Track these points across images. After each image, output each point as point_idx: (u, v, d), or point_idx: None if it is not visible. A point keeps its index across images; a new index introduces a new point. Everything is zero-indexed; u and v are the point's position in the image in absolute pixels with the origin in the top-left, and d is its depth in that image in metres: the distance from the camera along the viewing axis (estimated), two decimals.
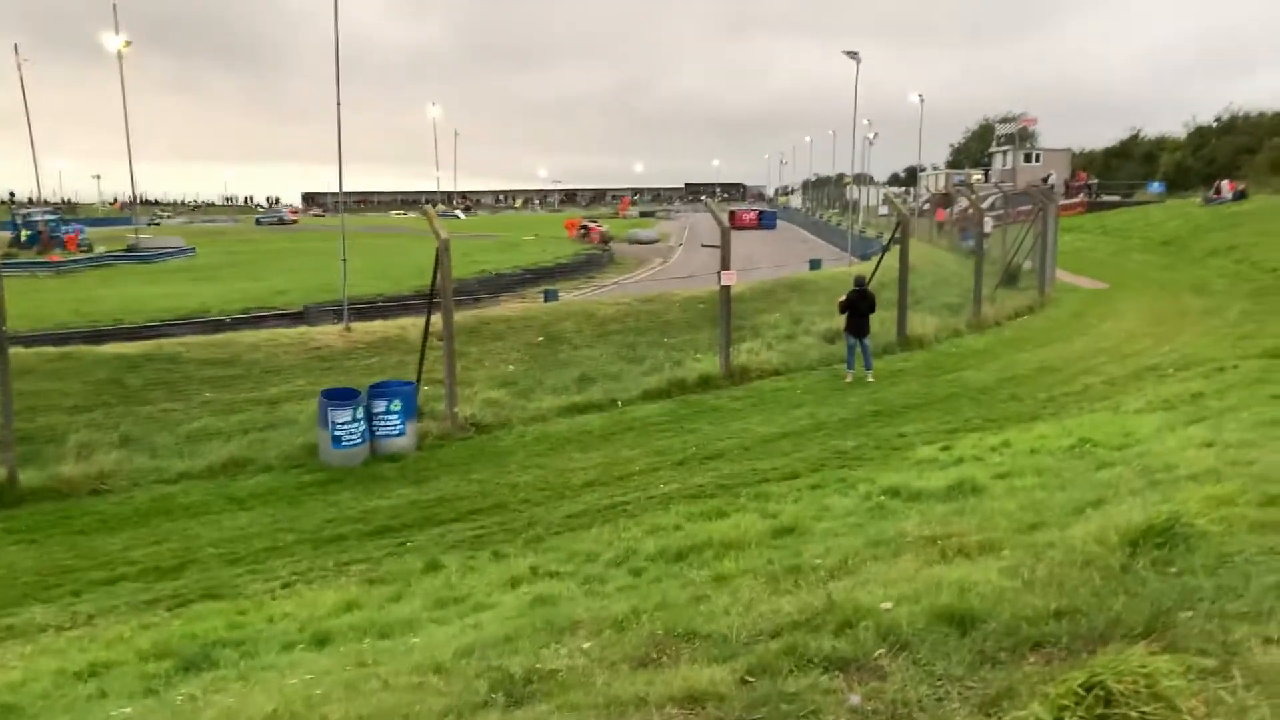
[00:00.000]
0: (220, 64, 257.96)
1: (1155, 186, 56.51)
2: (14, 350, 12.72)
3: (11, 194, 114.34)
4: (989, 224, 36.53)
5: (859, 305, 16.09)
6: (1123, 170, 68.20)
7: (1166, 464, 7.28)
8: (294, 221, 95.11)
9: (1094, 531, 4.55)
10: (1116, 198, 54.60)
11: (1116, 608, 3.46)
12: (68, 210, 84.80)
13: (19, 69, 56.17)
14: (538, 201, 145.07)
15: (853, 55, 37.86)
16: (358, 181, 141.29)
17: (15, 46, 56.78)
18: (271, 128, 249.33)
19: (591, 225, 60.18)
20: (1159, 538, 4.19)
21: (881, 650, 3.48)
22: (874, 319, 16.63)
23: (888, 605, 3.88)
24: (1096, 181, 58.21)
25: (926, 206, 51.66)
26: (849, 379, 15.97)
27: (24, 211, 56.57)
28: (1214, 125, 65.89)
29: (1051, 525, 5.35)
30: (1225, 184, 43.53)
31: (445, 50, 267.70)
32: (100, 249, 49.70)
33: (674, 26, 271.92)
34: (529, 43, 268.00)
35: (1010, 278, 25.39)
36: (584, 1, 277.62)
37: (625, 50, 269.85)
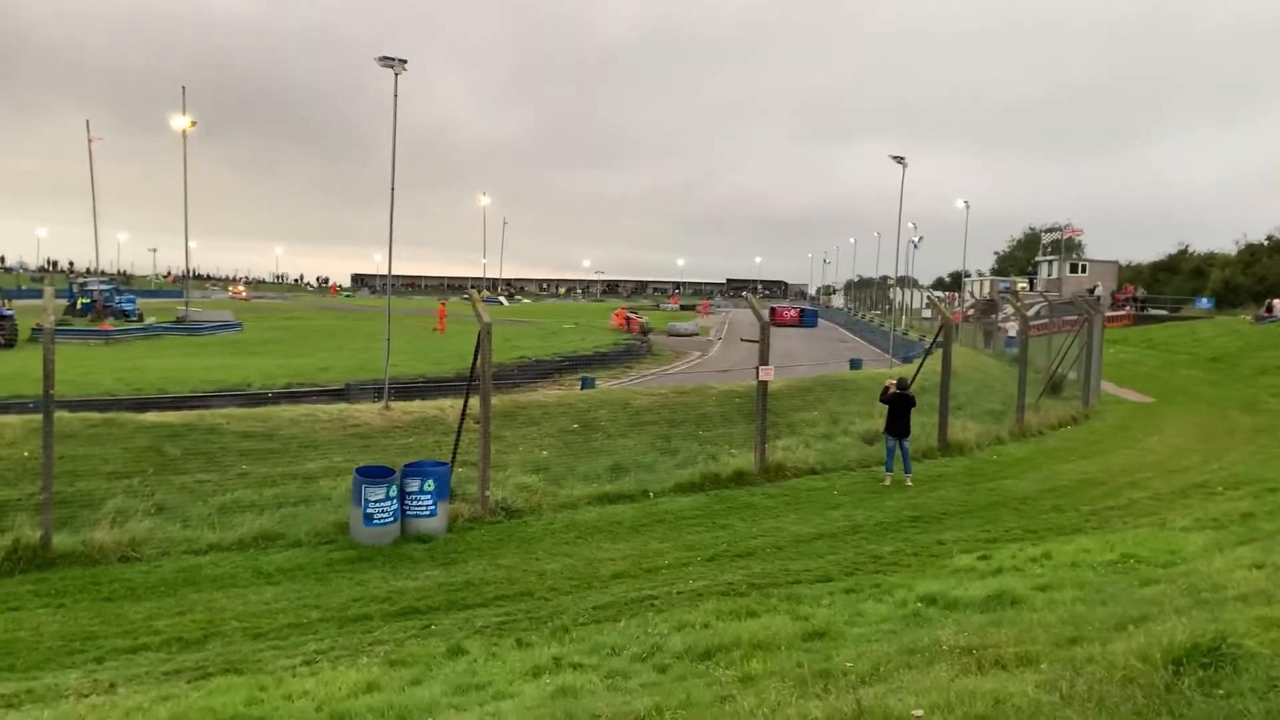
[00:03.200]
0: (296, 145, 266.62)
1: (1203, 302, 56.07)
2: (59, 414, 12.92)
3: (70, 263, 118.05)
4: (1012, 328, 36.49)
5: (899, 405, 15.96)
6: (1170, 284, 67.87)
7: (1214, 584, 7.08)
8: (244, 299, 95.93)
9: (1137, 648, 4.40)
10: (1163, 312, 54.21)
11: None
12: (123, 281, 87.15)
13: (89, 147, 58.10)
14: (580, 291, 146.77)
15: (899, 160, 38.28)
16: (406, 265, 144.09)
17: (87, 124, 58.83)
18: (334, 209, 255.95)
19: (631, 316, 60.68)
20: (1205, 658, 4.03)
21: None
22: (915, 424, 16.46)
23: (919, 713, 3.75)
24: (1144, 294, 57.88)
25: (971, 312, 51.61)
26: (888, 481, 15.75)
27: (81, 281, 58.14)
28: (1265, 243, 65.55)
29: (1092, 640, 5.17)
30: (1277, 303, 43.08)
31: (523, 142, 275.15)
32: (151, 319, 50.78)
33: (739, 133, 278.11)
34: (602, 142, 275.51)
35: (1054, 387, 25.13)
36: (664, 108, 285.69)
37: (683, 155, 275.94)
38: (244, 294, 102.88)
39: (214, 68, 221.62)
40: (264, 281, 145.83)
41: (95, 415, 15.69)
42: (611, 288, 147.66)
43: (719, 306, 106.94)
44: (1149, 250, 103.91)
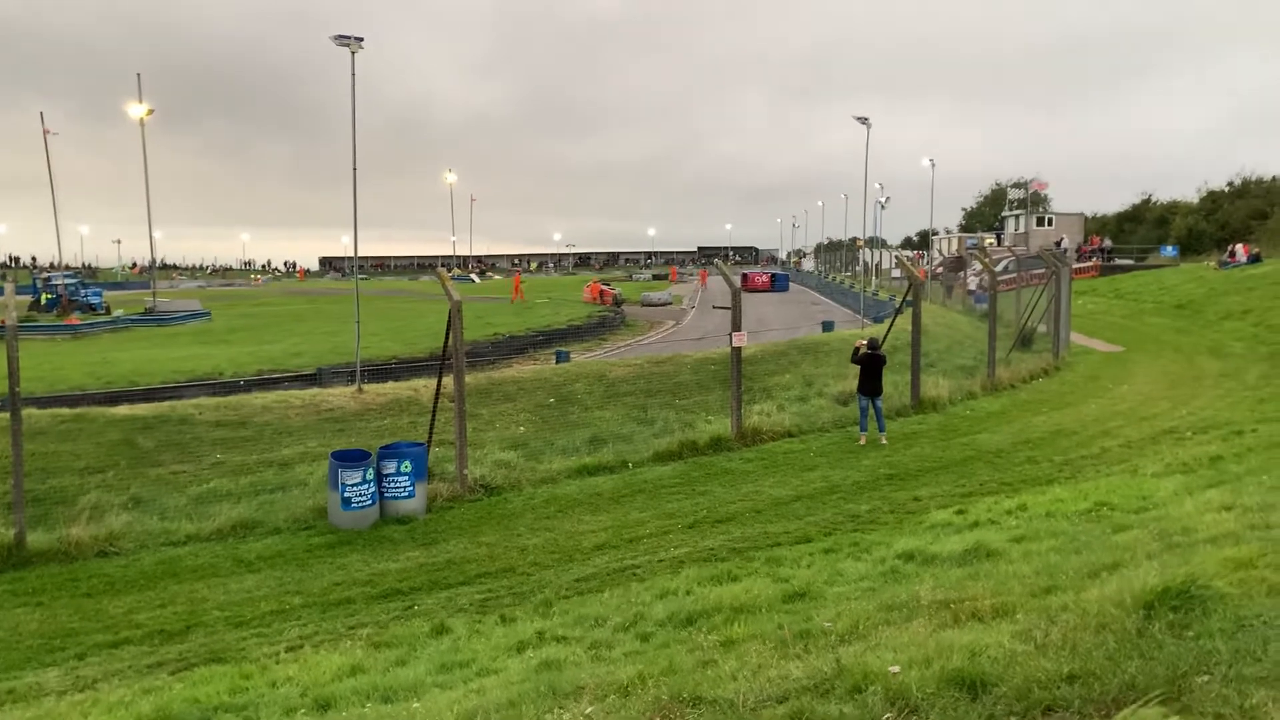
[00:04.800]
0: (261, 129, 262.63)
1: (1168, 250, 56.51)
2: (28, 411, 12.78)
3: (33, 259, 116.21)
4: (972, 282, 36.86)
5: (871, 365, 16.05)
6: (1135, 234, 68.33)
7: (1184, 527, 7.19)
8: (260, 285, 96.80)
9: (1109, 594, 4.47)
10: (1130, 261, 54.64)
11: (1131, 671, 3.38)
12: (88, 275, 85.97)
13: (44, 139, 57.16)
14: (552, 265, 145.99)
15: (863, 121, 38.22)
16: (374, 246, 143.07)
17: (41, 116, 57.90)
18: (300, 192, 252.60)
19: (605, 288, 60.60)
20: (1175, 600, 4.10)
21: (890, 715, 3.40)
22: (887, 382, 16.56)
23: (896, 669, 3.80)
24: (1110, 245, 58.30)
25: (940, 270, 51.84)
26: (863, 441, 15.86)
27: (45, 276, 57.32)
28: (1226, 190, 66.08)
29: (1066, 589, 5.26)
30: (1240, 247, 43.51)
31: (493, 117, 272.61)
32: (118, 312, 50.18)
33: (711, 102, 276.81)
34: (571, 114, 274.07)
35: (1024, 340, 25.33)
36: (636, 78, 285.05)
37: (655, 124, 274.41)
38: (260, 281, 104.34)
39: (175, 51, 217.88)
40: (230, 269, 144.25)
41: (65, 411, 15.54)
42: (583, 260, 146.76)
43: (690, 274, 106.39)
44: (1113, 201, 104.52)
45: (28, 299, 49.89)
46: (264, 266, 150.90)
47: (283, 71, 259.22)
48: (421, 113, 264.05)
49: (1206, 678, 3.28)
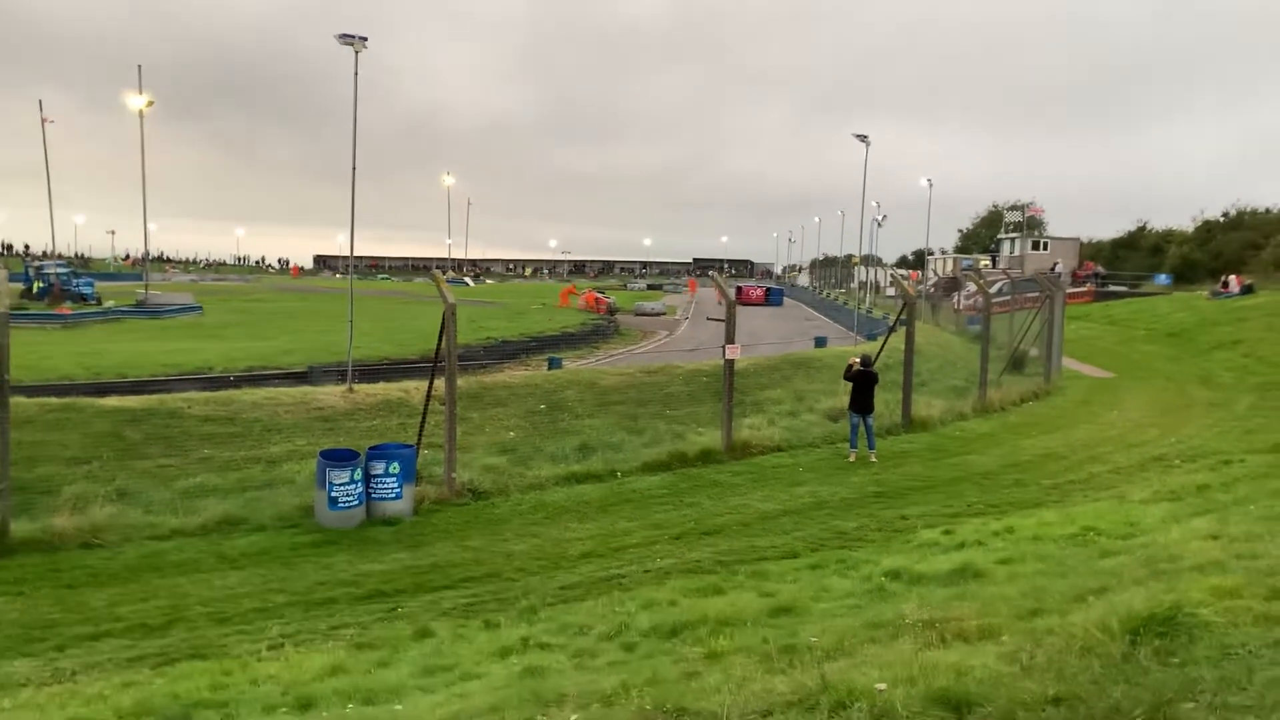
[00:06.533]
0: (262, 125, 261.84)
1: (1162, 278, 56.79)
2: (15, 400, 12.70)
3: (26, 246, 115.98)
4: (962, 303, 37.00)
5: (863, 382, 16.08)
6: (1130, 261, 68.57)
7: (1171, 555, 7.21)
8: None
9: (1095, 619, 4.47)
10: (1123, 288, 54.89)
11: (1116, 696, 3.38)
12: (80, 264, 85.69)
13: (42, 127, 57.13)
14: (546, 271, 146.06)
15: (862, 139, 38.32)
16: (372, 246, 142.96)
17: (39, 104, 57.89)
18: (297, 190, 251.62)
19: (600, 296, 60.71)
20: (1161, 627, 4.11)
21: None
22: (879, 400, 16.58)
23: (882, 686, 3.80)
24: (1105, 271, 58.58)
25: (933, 290, 51.98)
26: (852, 458, 15.87)
27: (37, 264, 57.11)
28: (1221, 220, 66.35)
29: (1052, 612, 5.26)
30: (1233, 278, 43.72)
31: (509, 121, 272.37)
32: (109, 303, 50.00)
33: (717, 116, 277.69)
34: (578, 123, 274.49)
35: (1017, 364, 25.39)
36: (655, 90, 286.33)
37: (662, 136, 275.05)
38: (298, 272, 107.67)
39: (188, 43, 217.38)
40: (224, 264, 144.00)
41: (53, 400, 15.45)
42: (578, 268, 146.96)
43: (684, 285, 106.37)
44: (1109, 228, 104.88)
45: (19, 287, 49.68)
46: (258, 263, 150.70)
47: (294, 67, 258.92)
48: (433, 114, 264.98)
49: (1192, 705, 3.28)
